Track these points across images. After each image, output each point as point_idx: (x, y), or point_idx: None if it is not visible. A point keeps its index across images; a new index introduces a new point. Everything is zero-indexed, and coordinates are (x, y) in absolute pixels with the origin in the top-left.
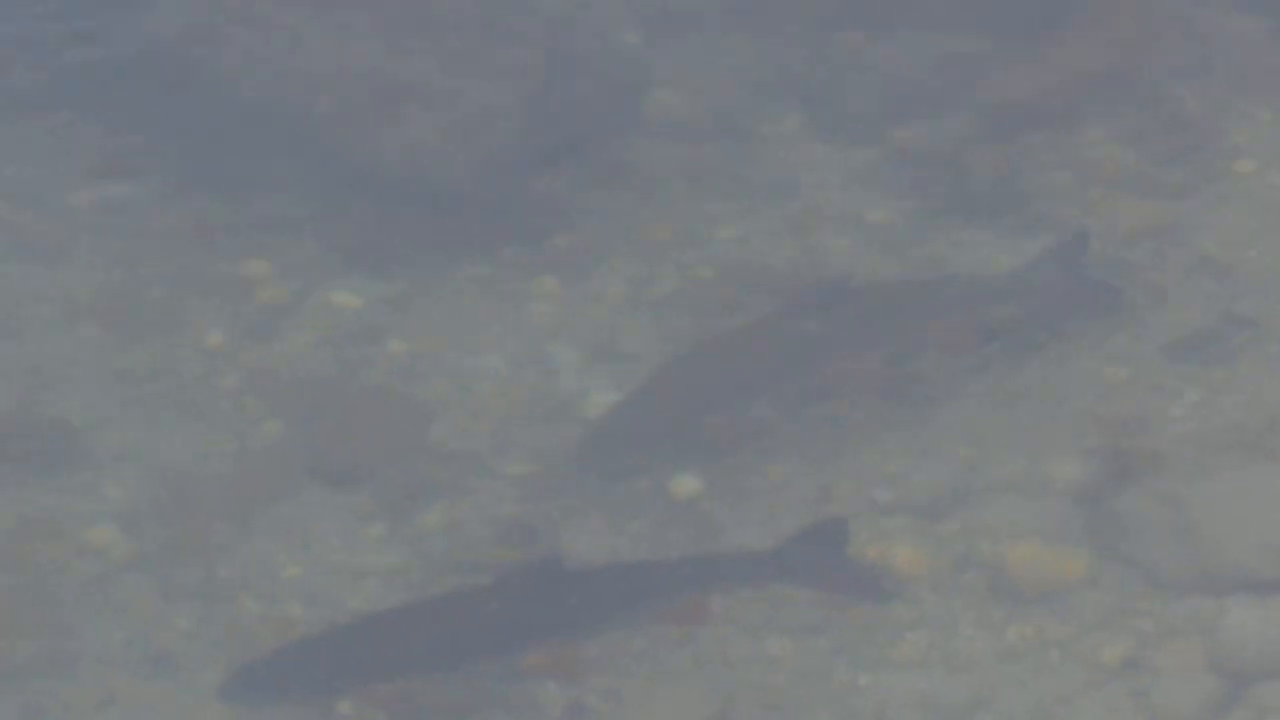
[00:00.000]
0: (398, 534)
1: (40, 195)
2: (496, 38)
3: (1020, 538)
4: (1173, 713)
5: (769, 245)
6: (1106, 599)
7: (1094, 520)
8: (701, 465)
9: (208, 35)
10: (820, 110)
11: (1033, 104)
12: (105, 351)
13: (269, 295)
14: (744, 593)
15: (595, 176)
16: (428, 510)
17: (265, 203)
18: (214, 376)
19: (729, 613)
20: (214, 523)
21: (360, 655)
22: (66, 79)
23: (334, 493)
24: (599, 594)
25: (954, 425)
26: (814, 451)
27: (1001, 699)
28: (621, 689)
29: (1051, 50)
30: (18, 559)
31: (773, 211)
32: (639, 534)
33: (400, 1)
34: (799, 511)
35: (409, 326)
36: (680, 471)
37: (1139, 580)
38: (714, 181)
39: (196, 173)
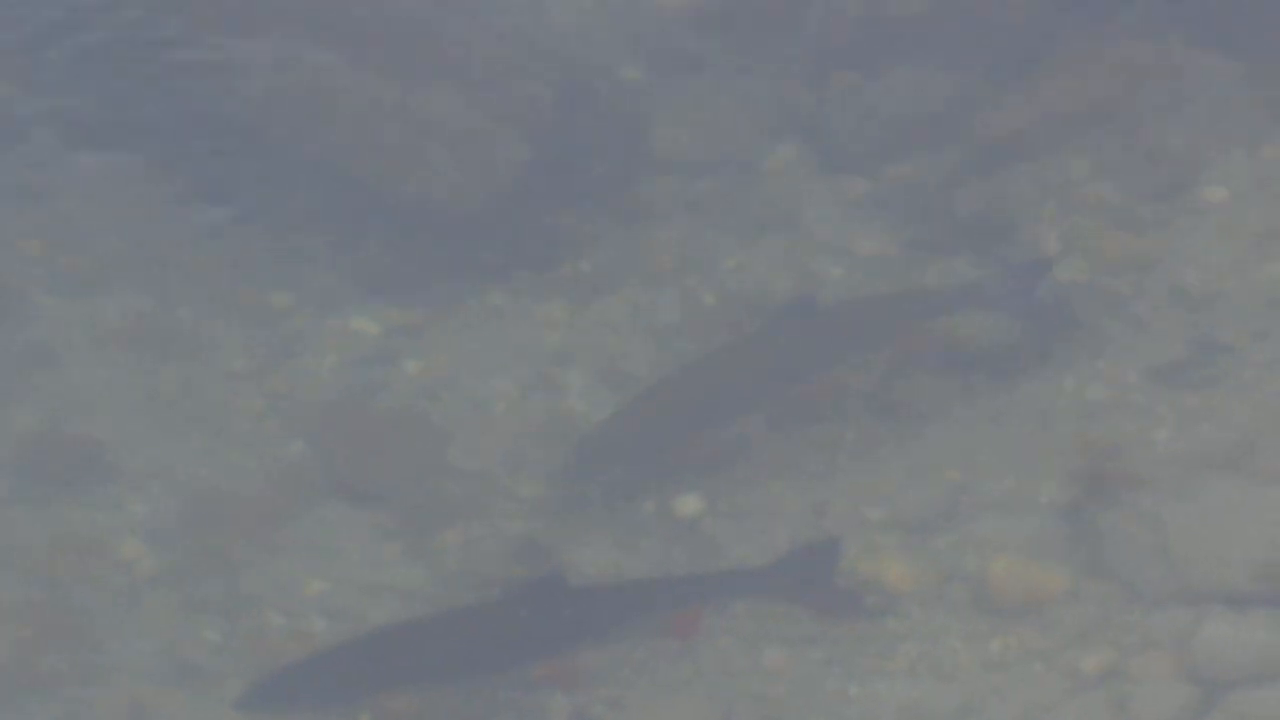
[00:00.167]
0: (416, 551)
1: (76, 230)
2: (510, 77)
3: (1006, 554)
4: (1149, 718)
5: (767, 273)
6: (1088, 612)
7: (1076, 537)
8: (703, 485)
9: (239, 74)
10: (816, 146)
11: (1019, 140)
12: (135, 375)
13: (290, 321)
14: (742, 607)
15: (602, 208)
16: (444, 528)
17: (288, 233)
18: (239, 399)
19: (729, 625)
20: (238, 539)
21: (371, 668)
22: (105, 119)
23: (354, 511)
24: (598, 608)
25: (943, 446)
26: (809, 471)
27: (987, 707)
28: (625, 698)
29: (1037, 89)
30: (50, 573)
31: (771, 242)
32: (645, 551)
33: (420, 42)
34: (795, 529)
35: (425, 351)
36: (683, 491)
37: (1119, 594)
38: (715, 213)
39: (223, 205)
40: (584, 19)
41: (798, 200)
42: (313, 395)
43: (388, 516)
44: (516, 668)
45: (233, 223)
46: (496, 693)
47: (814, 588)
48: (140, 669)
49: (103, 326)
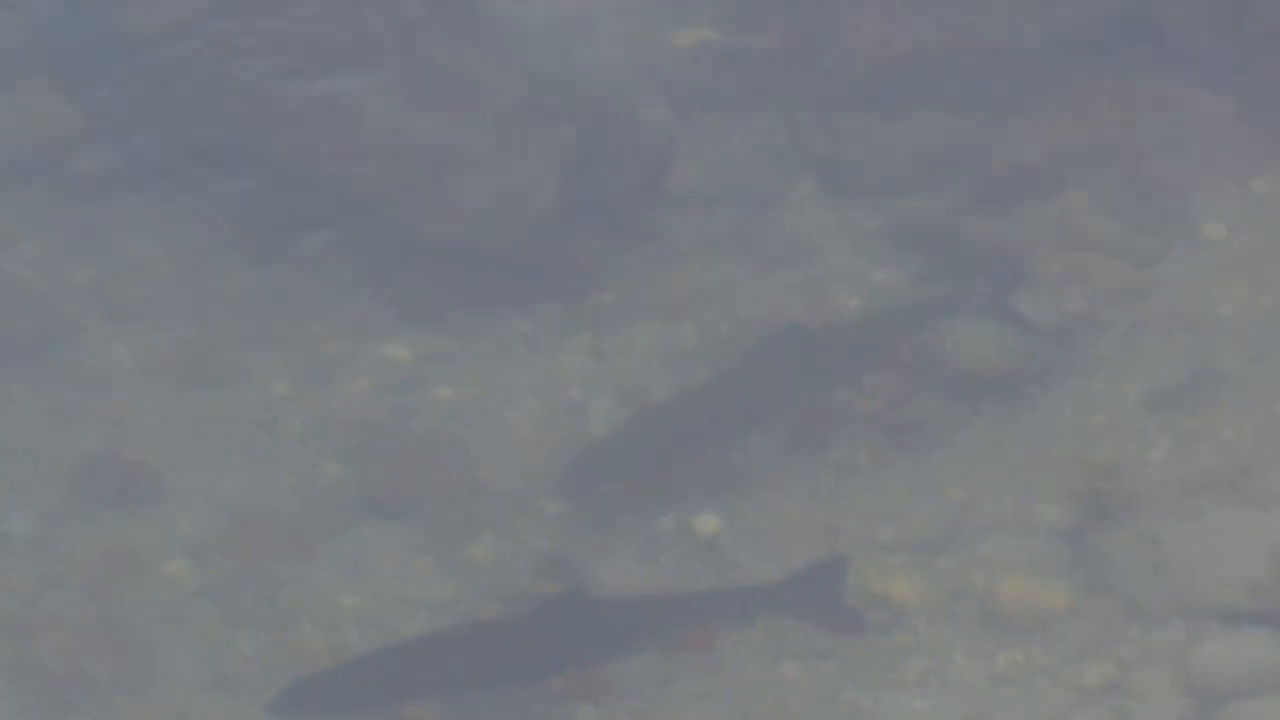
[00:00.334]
0: (446, 566)
1: (126, 259)
2: (537, 113)
3: (1010, 572)
4: None
5: (782, 303)
6: (1089, 628)
7: (1078, 556)
8: (722, 505)
9: (281, 112)
10: (829, 181)
11: (1022, 176)
12: (181, 400)
13: (329, 348)
14: (761, 622)
15: (625, 241)
16: (473, 544)
17: (325, 265)
18: (279, 422)
19: (748, 639)
20: (277, 555)
21: (398, 677)
22: (149, 156)
23: (387, 528)
24: (615, 622)
25: (949, 469)
26: (823, 493)
27: (992, 719)
28: (648, 710)
29: (1040, 127)
30: (100, 588)
31: (786, 273)
32: (665, 567)
33: (451, 79)
34: (808, 548)
35: (456, 377)
36: (702, 510)
37: (1119, 611)
38: (732, 246)
39: (265, 237)
40: (608, 60)
41: (812, 232)
42: (349, 418)
43: (419, 533)
44: (537, 679)
45: (272, 256)
46: (524, 704)
47: (822, 604)
48: (184, 679)
49: (151, 354)
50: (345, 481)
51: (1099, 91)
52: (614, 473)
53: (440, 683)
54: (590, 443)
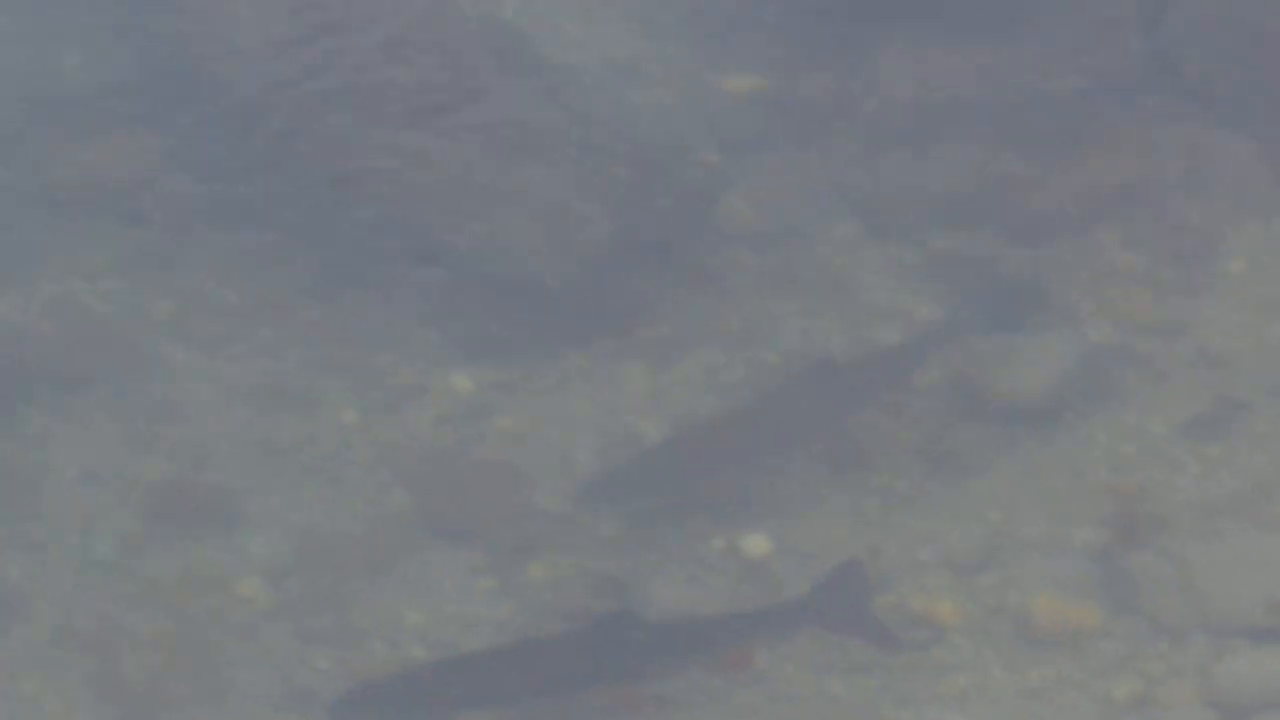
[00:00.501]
0: (506, 586)
1: (204, 294)
2: (593, 154)
3: (1044, 591)
4: None
5: (826, 336)
6: (1119, 645)
7: (1108, 576)
8: (770, 527)
9: (352, 155)
10: (872, 220)
11: (1055, 214)
12: (256, 428)
13: (396, 379)
14: (805, 639)
15: (676, 276)
16: (532, 565)
17: (392, 300)
18: (348, 449)
19: (792, 655)
20: (347, 576)
21: (452, 687)
22: (226, 196)
23: (450, 550)
24: (658, 642)
25: (986, 494)
26: (867, 516)
27: None
28: None
29: (1073, 168)
30: (179, 607)
31: (830, 307)
32: (716, 587)
33: (512, 124)
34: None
35: (516, 406)
36: (752, 532)
37: (1147, 628)
38: (779, 281)
39: (336, 273)
40: (660, 104)
41: (854, 269)
42: (414, 446)
43: (480, 555)
44: (582, 694)
45: (344, 290)
46: (574, 717)
47: (850, 613)
48: (258, 694)
49: (227, 383)
50: (410, 506)
51: (1128, 134)
52: (631, 496)
53: (492, 694)
54: (606, 466)
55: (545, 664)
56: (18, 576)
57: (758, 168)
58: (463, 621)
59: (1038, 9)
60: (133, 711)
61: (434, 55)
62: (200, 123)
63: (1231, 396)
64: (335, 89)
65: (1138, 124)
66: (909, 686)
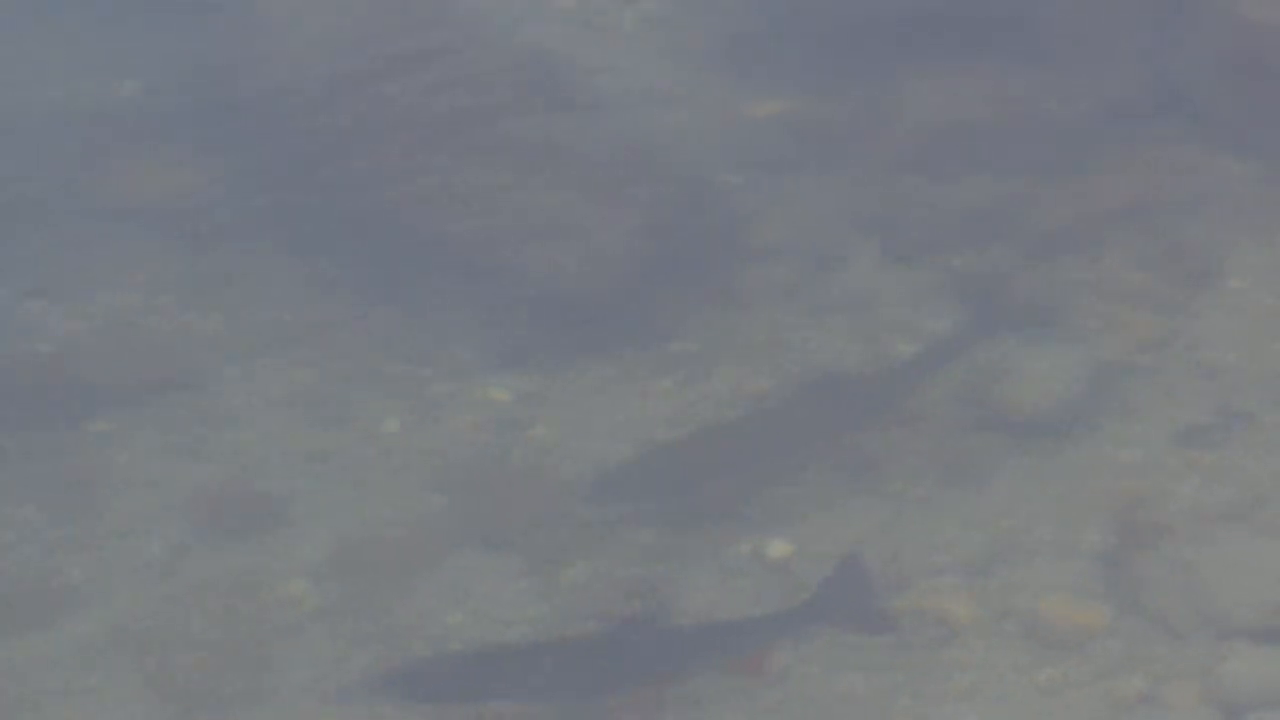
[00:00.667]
0: (541, 589)
1: (252, 311)
2: (624, 179)
3: (1052, 593)
4: None
5: (846, 350)
6: (1124, 645)
7: (1114, 579)
8: (792, 532)
9: (395, 181)
10: (888, 239)
11: (1064, 235)
12: (301, 436)
13: (435, 390)
14: (823, 641)
15: (704, 293)
16: (566, 568)
17: (432, 314)
18: (390, 457)
19: (812, 655)
20: (388, 578)
21: (479, 677)
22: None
23: (488, 554)
24: (677, 647)
25: (997, 500)
26: (883, 521)
27: None
28: (724, 719)
29: (1080, 190)
30: (228, 608)
31: (849, 323)
32: (741, 590)
33: (545, 147)
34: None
35: (550, 416)
36: (775, 537)
37: (1151, 629)
38: (801, 298)
39: (379, 290)
40: (689, 129)
41: (872, 285)
42: (453, 454)
43: (517, 559)
44: (603, 695)
45: (386, 304)
46: (600, 712)
47: (848, 609)
48: (304, 690)
49: (274, 395)
50: (449, 512)
51: (1134, 157)
52: (628, 499)
53: (521, 686)
54: (606, 469)
55: (570, 662)
56: (78, 577)
57: (782, 189)
58: (500, 622)
59: (1051, 41)
60: (185, 706)
61: (475, 83)
62: (250, 147)
63: (1231, 407)
64: (380, 116)
65: (1144, 149)
66: (923, 684)
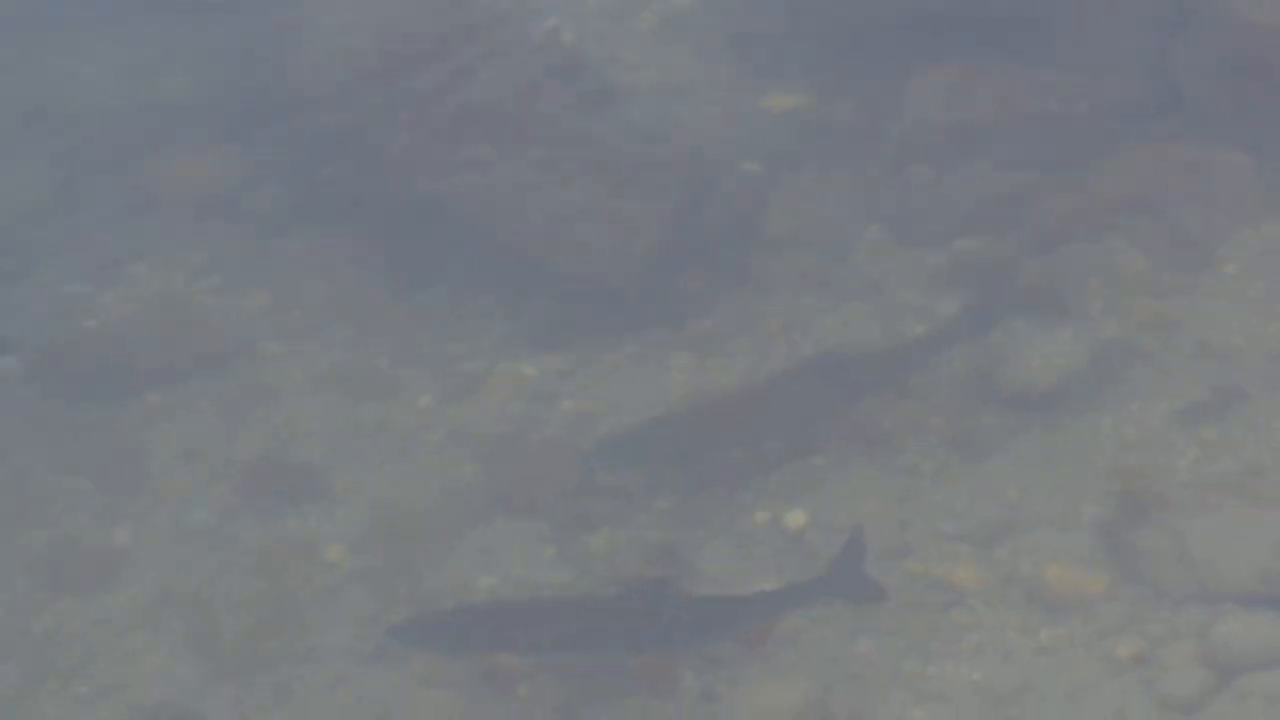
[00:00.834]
0: (567, 554)
1: (294, 289)
2: (648, 169)
3: (1054, 560)
4: (1174, 698)
5: (859, 331)
6: (1122, 609)
7: (1113, 548)
8: (808, 503)
9: (429, 169)
10: (900, 227)
11: (1068, 223)
12: (340, 410)
13: (468, 367)
14: (836, 605)
15: (722, 277)
16: (591, 536)
17: (466, 296)
18: (424, 430)
19: (828, 617)
20: (422, 544)
21: (492, 630)
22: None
23: (516, 521)
24: (689, 615)
25: (1003, 473)
26: (895, 493)
27: (1038, 686)
28: (742, 678)
29: (1084, 181)
30: (270, 571)
31: (862, 305)
32: (759, 557)
33: (571, 138)
34: (881, 540)
35: (577, 392)
36: (792, 508)
37: (1148, 595)
38: (815, 281)
39: (414, 272)
40: (709, 122)
41: (883, 270)
42: (484, 427)
43: (544, 526)
44: (613, 655)
45: (421, 286)
46: (623, 669)
47: (851, 583)
48: (342, 650)
49: (315, 370)
50: (481, 482)
51: (1134, 152)
52: (629, 464)
53: (534, 641)
54: (609, 434)
55: (581, 622)
56: (126, 543)
57: (797, 179)
58: (528, 586)
59: (1054, 41)
60: (228, 665)
61: (503, 77)
62: (291, 136)
63: (1226, 386)
64: (413, 107)
65: (1145, 144)
66: (931, 645)
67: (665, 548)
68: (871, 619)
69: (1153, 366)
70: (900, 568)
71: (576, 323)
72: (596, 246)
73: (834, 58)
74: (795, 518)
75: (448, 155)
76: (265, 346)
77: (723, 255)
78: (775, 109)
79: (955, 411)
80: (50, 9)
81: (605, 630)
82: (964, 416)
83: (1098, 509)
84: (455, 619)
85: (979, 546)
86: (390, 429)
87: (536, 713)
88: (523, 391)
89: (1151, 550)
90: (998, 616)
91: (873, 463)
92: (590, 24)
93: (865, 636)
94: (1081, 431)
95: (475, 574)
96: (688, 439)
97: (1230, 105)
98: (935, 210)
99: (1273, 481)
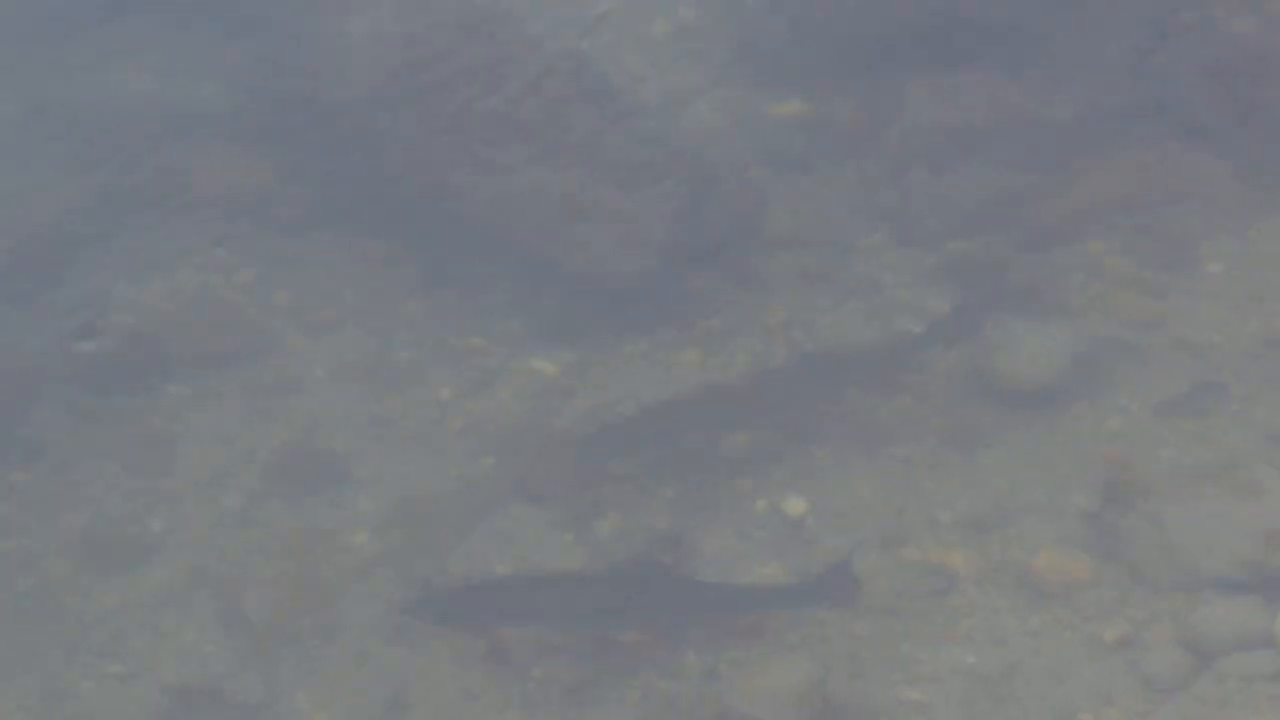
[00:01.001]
0: (580, 540)
1: (320, 286)
2: (656, 174)
3: (1044, 548)
4: (1156, 678)
5: (858, 328)
6: (1107, 593)
7: (1099, 534)
8: (807, 491)
9: (443, 168)
10: (897, 227)
11: (1056, 224)
12: (363, 401)
13: (486, 361)
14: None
15: (728, 276)
16: (601, 522)
17: (483, 293)
18: (444, 421)
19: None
20: (442, 529)
21: (501, 604)
22: (338, 203)
23: (531, 508)
24: (684, 599)
25: (994, 463)
26: (891, 482)
27: (1027, 667)
28: (744, 658)
29: (1071, 184)
30: (295, 555)
31: (861, 303)
32: (760, 541)
33: (584, 144)
34: (877, 527)
35: (589, 385)
36: (791, 495)
37: (1132, 580)
38: (816, 280)
39: (435, 271)
40: (715, 127)
41: (881, 270)
42: (501, 419)
43: (557, 513)
44: (610, 630)
45: (440, 284)
46: (623, 646)
47: (833, 594)
48: (365, 629)
49: (339, 362)
50: (498, 470)
51: (1119, 156)
52: (619, 454)
53: (533, 615)
54: (598, 427)
55: (581, 599)
56: (160, 527)
57: (799, 182)
58: (542, 570)
59: (1046, 49)
60: (256, 644)
61: (519, 85)
62: (319, 141)
63: (1206, 380)
64: (434, 113)
65: (1128, 147)
66: (926, 628)
67: (670, 534)
68: (868, 603)
69: (1137, 362)
70: (897, 554)
71: (590, 319)
72: (606, 247)
73: (834, 66)
74: (795, 505)
75: (466, 159)
76: (291, 340)
77: (727, 255)
78: (778, 114)
79: (950, 405)
80: (82, 18)
81: (598, 606)
82: (958, 410)
83: (1084, 498)
84: (462, 595)
85: (972, 534)
86: (411, 420)
87: (550, 690)
88: (538, 385)
89: (1135, 537)
90: (990, 601)
91: (870, 454)
92: (603, 35)
93: (863, 620)
94: (1070, 424)
95: (492, 557)
96: (704, 429)
97: (1209, 112)
98: (931, 211)
99: (1250, 472)
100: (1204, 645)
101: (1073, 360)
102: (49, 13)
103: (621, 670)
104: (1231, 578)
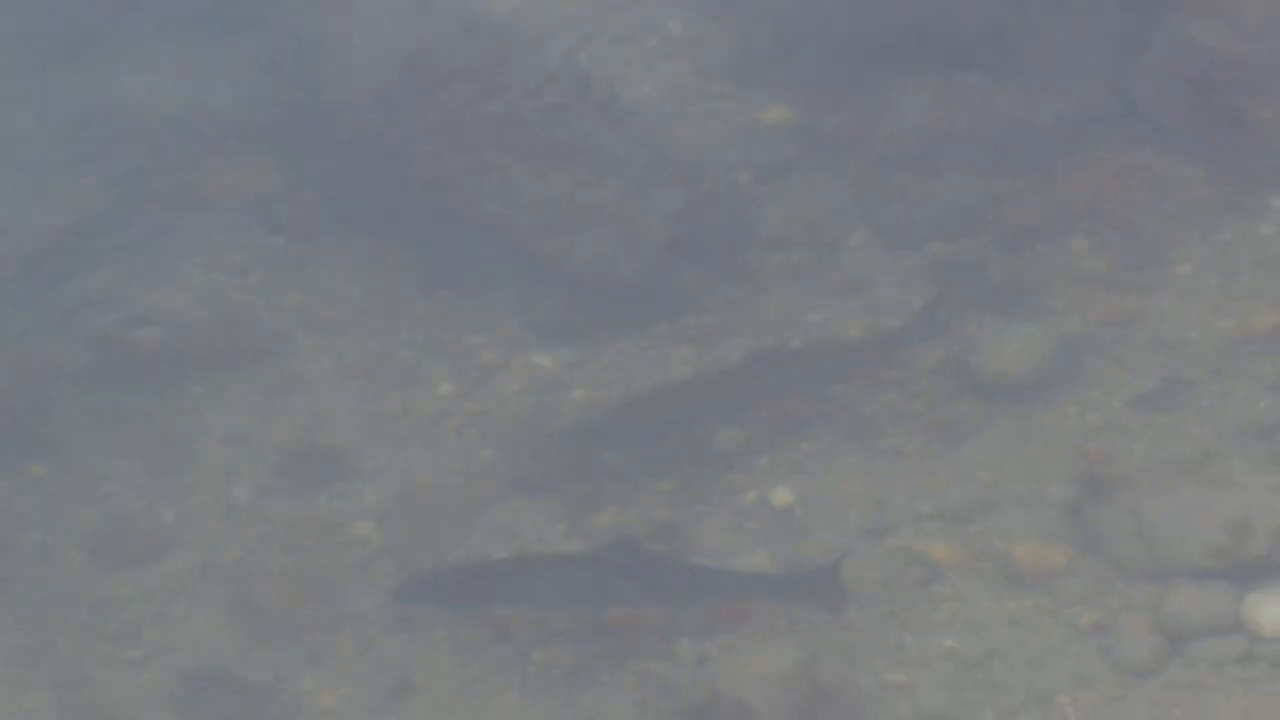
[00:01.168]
0: (577, 531)
1: (326, 287)
2: (651, 174)
3: (1023, 538)
4: (1130, 662)
5: (844, 325)
6: (1084, 581)
7: (1076, 525)
8: (794, 483)
9: (447, 171)
10: (880, 229)
11: (1035, 226)
12: (367, 397)
13: (486, 358)
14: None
15: (721, 275)
16: (599, 514)
17: (484, 292)
18: (445, 416)
19: None
20: (444, 521)
21: (490, 585)
22: (343, 207)
23: (531, 501)
24: (664, 579)
25: (975, 456)
26: (876, 474)
27: (1008, 652)
28: (735, 643)
29: (1049, 187)
30: (302, 546)
31: (846, 301)
32: (751, 531)
33: (583, 148)
34: (863, 518)
35: (587, 381)
36: (778, 486)
37: (1108, 568)
38: (804, 280)
39: (437, 270)
40: (708, 133)
41: (866, 270)
42: (501, 414)
43: (556, 505)
44: (594, 609)
45: (443, 284)
46: (612, 628)
47: (815, 591)
48: (369, 619)
49: (344, 360)
50: (498, 464)
51: (1097, 160)
52: (606, 446)
53: (522, 595)
54: (585, 419)
55: (569, 579)
56: (171, 520)
57: (788, 186)
58: (533, 551)
59: (1025, 57)
60: (264, 632)
61: (520, 91)
62: (324, 145)
63: (1179, 376)
64: (437, 117)
65: (1106, 153)
66: (910, 614)
67: (666, 524)
68: (856, 591)
69: (1112, 358)
70: (882, 544)
71: (588, 316)
72: (607, 248)
73: (822, 74)
74: (782, 496)
75: (469, 163)
76: (299, 340)
77: (720, 256)
78: (769, 121)
79: (933, 399)
80: (96, 25)
81: (583, 586)
82: (941, 404)
83: (1062, 490)
84: (453, 576)
85: (954, 524)
86: (414, 415)
87: (548, 674)
88: (537, 381)
89: (1111, 527)
90: (971, 589)
91: (856, 446)
92: (602, 45)
93: (850, 607)
94: (1048, 418)
95: (493, 549)
96: (691, 419)
97: (1182, 119)
98: (915, 213)
99: (1220, 465)
100: (1176, 630)
101: (1051, 357)
102: (55, 17)
103: (618, 654)
104: (1202, 566)
